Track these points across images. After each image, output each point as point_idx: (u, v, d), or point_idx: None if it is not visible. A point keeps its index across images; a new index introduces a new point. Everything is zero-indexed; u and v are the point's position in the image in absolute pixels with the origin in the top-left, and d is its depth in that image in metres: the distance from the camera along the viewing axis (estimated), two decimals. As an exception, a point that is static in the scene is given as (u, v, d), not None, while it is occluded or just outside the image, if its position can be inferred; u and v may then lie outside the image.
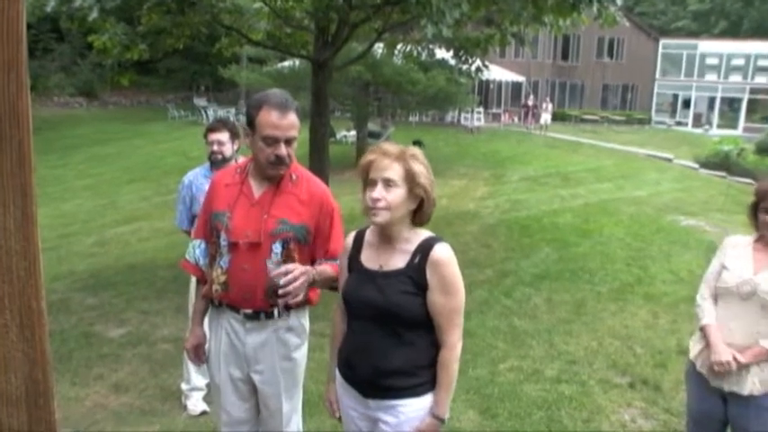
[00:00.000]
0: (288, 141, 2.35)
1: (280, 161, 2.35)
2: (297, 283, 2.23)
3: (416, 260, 2.11)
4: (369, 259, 2.21)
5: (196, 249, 2.59)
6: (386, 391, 2.14)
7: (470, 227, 10.07)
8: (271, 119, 2.29)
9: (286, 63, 18.58)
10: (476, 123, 27.51)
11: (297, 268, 2.26)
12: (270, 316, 2.42)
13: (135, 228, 10.65)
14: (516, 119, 32.76)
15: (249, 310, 2.45)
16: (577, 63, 37.27)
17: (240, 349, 2.49)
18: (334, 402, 2.34)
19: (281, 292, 2.21)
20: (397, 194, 2.08)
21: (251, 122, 2.36)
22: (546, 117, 28.05)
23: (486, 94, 33.64)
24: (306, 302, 2.51)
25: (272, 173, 2.40)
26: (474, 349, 5.04)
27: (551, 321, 5.87)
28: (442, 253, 2.11)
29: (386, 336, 2.12)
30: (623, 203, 12.38)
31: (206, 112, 29.53)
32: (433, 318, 2.11)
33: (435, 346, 2.14)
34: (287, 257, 2.42)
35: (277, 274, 2.23)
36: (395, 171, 2.08)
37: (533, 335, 5.49)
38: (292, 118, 2.33)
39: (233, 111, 28.94)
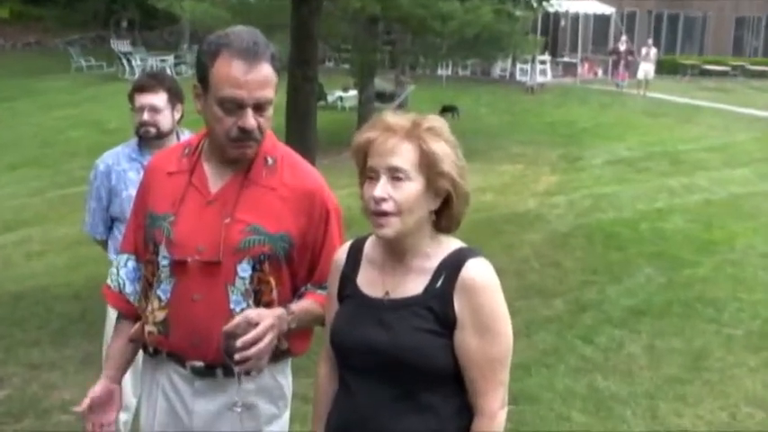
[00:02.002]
0: (259, 106, 2.35)
1: (246, 136, 2.36)
2: (261, 345, 2.25)
3: (439, 283, 2.13)
4: (369, 283, 2.24)
5: (121, 270, 2.61)
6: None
7: (530, 236, 10.06)
8: (232, 72, 2.30)
9: (251, -12, 18.63)
10: (539, 79, 27.48)
11: (263, 319, 2.27)
12: (230, 372, 2.42)
13: (20, 237, 10.69)
14: (601, 71, 32.69)
15: (199, 363, 2.46)
16: (695, -14, 37.17)
17: (185, 421, 2.51)
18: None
19: (237, 357, 2.24)
20: (410, 191, 2.09)
21: (203, 78, 2.37)
22: (647, 68, 27.91)
23: (555, 35, 33.59)
24: (285, 352, 2.52)
25: (235, 154, 2.42)
26: (535, 422, 5.05)
27: (655, 381, 5.87)
28: (478, 272, 2.13)
29: (394, 397, 2.14)
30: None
31: (130, 61, 29.62)
32: (463, 370, 2.13)
33: (468, 412, 2.16)
34: (259, 284, 2.44)
35: (232, 329, 2.24)
36: (405, 155, 2.09)
37: (627, 401, 5.49)
38: (266, 71, 2.34)
39: (171, 60, 29.03)
